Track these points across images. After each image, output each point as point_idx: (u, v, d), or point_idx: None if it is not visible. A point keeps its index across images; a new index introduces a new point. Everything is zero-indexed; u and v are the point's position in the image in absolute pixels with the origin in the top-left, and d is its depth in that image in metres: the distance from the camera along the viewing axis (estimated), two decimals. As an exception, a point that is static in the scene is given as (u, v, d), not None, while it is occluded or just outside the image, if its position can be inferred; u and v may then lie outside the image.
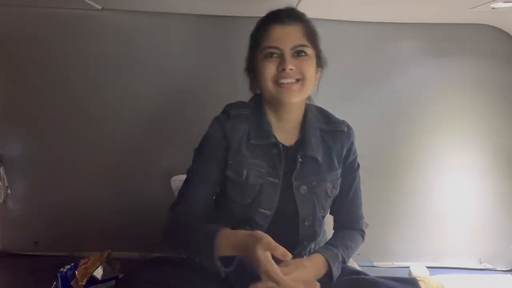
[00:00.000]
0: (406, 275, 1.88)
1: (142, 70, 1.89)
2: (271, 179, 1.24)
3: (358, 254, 1.89)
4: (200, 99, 1.89)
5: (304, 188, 1.25)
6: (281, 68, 1.18)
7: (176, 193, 1.51)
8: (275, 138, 1.25)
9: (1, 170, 1.88)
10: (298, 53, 1.20)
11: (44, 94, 1.91)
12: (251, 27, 1.28)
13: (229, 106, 1.32)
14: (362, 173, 1.89)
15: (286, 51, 1.19)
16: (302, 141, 1.27)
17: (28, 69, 1.89)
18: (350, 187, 1.34)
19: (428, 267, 1.93)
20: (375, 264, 1.97)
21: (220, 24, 1.85)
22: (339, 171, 1.31)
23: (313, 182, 1.26)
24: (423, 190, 1.98)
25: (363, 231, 1.37)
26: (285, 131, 1.28)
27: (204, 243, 1.06)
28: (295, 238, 1.26)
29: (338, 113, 1.84)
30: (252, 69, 1.27)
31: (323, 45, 1.80)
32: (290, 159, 1.25)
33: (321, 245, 1.32)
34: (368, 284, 1.12)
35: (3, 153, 1.90)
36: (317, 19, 1.80)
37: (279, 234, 1.09)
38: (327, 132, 1.31)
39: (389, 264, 1.98)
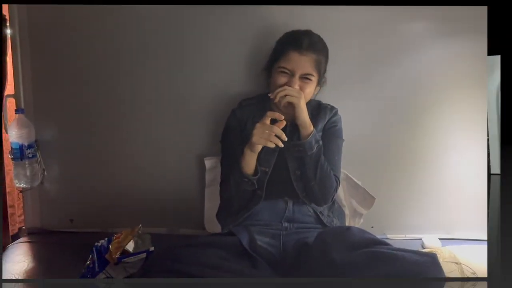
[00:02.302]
0: (419, 246, 1.95)
1: (172, 58, 1.96)
2: None
3: (372, 227, 1.98)
4: (231, 84, 1.96)
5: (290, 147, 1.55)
6: (288, 84, 1.54)
7: (207, 173, 1.96)
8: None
9: (38, 153, 1.98)
10: (304, 78, 1.55)
11: (79, 81, 2.00)
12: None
13: (243, 100, 1.75)
14: (377, 152, 1.97)
15: (296, 75, 1.54)
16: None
17: (63, 57, 1.98)
18: (327, 148, 1.60)
19: (440, 239, 1.98)
20: (388, 236, 2.03)
21: (245, 12, 1.90)
22: (320, 134, 1.61)
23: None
24: (436, 163, 2.00)
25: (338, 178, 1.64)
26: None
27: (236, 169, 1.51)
28: (291, 187, 1.59)
29: (349, 96, 1.93)
30: (269, 72, 1.65)
31: (334, 28, 1.86)
32: (286, 132, 1.52)
33: (334, 212, 1.69)
34: (387, 258, 1.17)
35: (40, 138, 2.00)
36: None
37: (278, 185, 1.58)
38: (316, 111, 1.67)
39: (402, 236, 2.04)
